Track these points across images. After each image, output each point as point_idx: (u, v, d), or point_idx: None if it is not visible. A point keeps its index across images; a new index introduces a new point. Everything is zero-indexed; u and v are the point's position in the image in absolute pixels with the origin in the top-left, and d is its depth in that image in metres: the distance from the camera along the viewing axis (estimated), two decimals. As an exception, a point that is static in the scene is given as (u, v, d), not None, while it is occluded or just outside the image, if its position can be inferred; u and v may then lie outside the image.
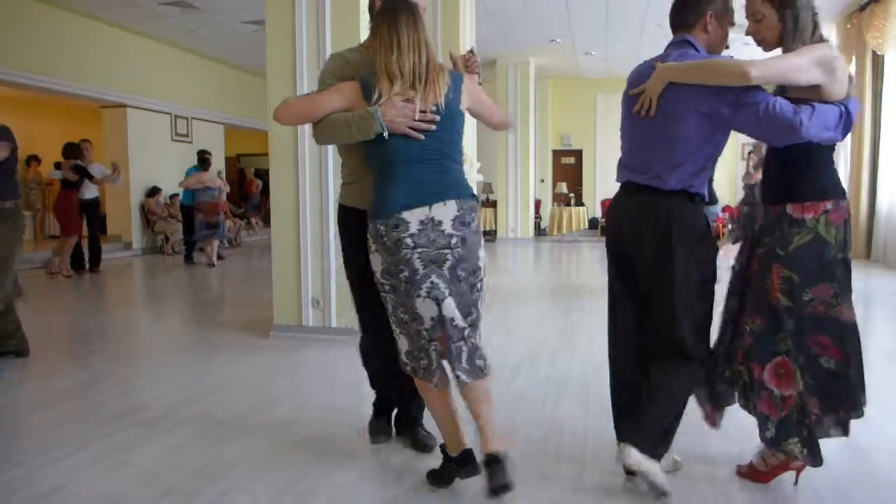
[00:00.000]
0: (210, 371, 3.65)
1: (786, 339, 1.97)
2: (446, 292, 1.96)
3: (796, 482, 2.13)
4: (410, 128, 1.95)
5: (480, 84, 2.24)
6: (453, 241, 1.96)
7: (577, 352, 3.98)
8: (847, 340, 1.98)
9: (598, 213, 13.97)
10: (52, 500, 2.11)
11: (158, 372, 3.74)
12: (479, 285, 2.06)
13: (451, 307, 1.95)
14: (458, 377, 1.98)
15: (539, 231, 14.02)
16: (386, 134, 1.94)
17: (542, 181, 14.73)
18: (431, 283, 1.94)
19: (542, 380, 3.40)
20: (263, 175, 13.67)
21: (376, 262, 2.02)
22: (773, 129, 1.89)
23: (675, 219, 2.00)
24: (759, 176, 7.39)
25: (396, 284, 1.98)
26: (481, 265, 2.05)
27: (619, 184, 2.24)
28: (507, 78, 12.36)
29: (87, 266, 8.02)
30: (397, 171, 1.98)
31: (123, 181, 9.52)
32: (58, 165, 8.12)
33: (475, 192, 2.14)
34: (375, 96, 1.96)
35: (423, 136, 1.96)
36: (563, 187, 13.92)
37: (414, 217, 1.93)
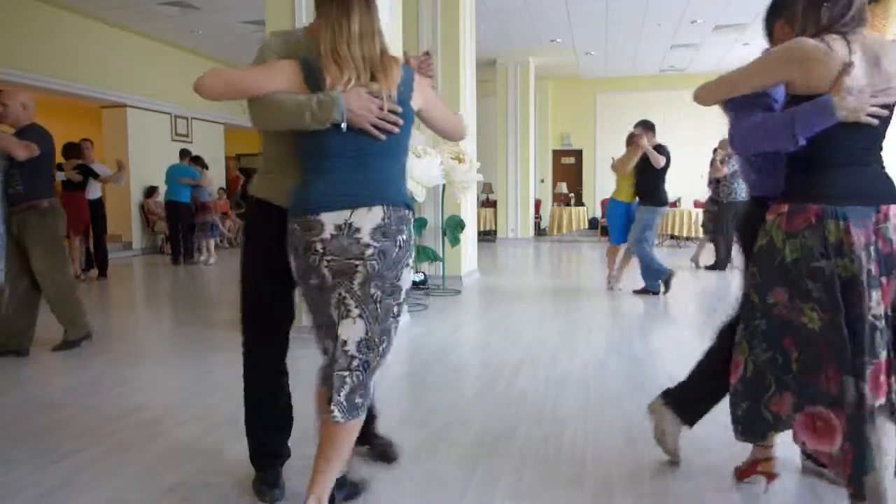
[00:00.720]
0: (210, 371, 3.65)
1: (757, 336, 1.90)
2: (354, 311, 1.74)
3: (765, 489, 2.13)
4: (373, 125, 1.75)
5: (434, 89, 2.11)
6: (368, 251, 1.72)
7: (577, 352, 3.98)
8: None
9: (598, 213, 13.97)
10: (53, 500, 2.11)
11: (158, 372, 3.75)
12: (395, 310, 1.80)
13: (348, 328, 1.74)
14: (330, 410, 1.75)
15: (539, 231, 14.02)
16: (344, 126, 1.72)
17: (542, 181, 14.73)
18: (339, 295, 1.75)
19: (542, 380, 3.41)
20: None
21: (293, 263, 1.83)
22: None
23: None
24: (726, 170, 7.59)
25: (307, 291, 1.84)
26: (402, 286, 1.80)
27: None
28: (507, 78, 12.36)
29: (96, 270, 7.91)
30: (328, 165, 1.77)
31: (125, 180, 9.55)
32: (59, 167, 8.09)
33: (411, 198, 2.00)
34: (326, 82, 1.73)
35: (384, 137, 1.77)
36: (563, 187, 13.93)
37: (331, 220, 1.71)
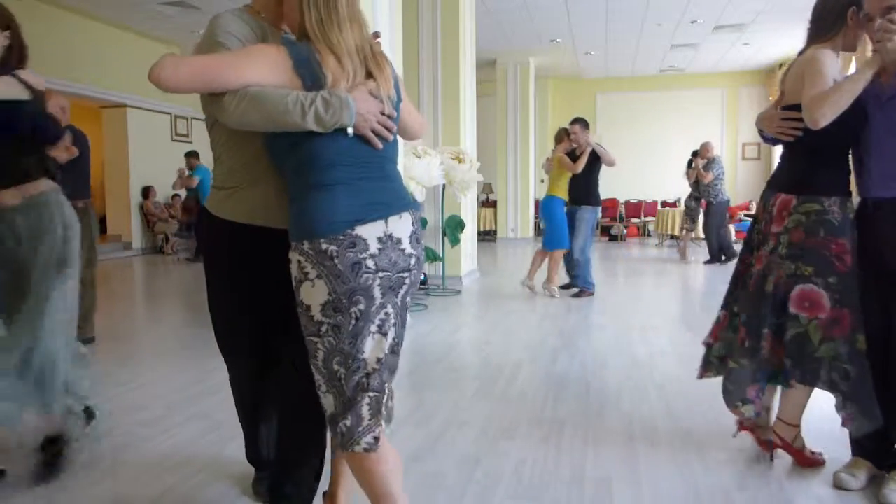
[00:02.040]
0: (210, 371, 3.65)
1: None
2: (393, 323, 1.59)
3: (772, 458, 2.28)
4: (373, 131, 1.55)
5: None
6: (412, 261, 1.60)
7: (577, 352, 3.98)
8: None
9: (598, 213, 13.96)
10: (53, 500, 2.11)
11: (158, 372, 3.75)
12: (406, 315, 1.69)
13: (379, 343, 1.56)
14: (366, 445, 1.54)
15: (539, 231, 14.02)
16: (351, 131, 1.51)
17: (543, 181, 14.73)
18: (385, 314, 1.56)
19: (542, 380, 3.41)
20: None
21: (316, 295, 1.50)
22: None
23: None
24: (710, 175, 8.50)
25: (343, 323, 1.51)
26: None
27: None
28: (507, 78, 12.36)
29: None
30: (338, 176, 1.51)
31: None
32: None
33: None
34: (328, 78, 1.49)
35: (381, 145, 1.58)
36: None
37: (371, 234, 1.51)
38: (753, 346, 2.16)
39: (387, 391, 1.59)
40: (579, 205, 6.10)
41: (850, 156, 2.17)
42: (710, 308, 5.62)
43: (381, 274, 1.52)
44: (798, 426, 2.27)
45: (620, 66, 13.13)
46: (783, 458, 2.32)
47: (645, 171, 14.03)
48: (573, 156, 6.06)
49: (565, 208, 6.10)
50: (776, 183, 2.25)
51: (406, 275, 1.59)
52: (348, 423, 1.53)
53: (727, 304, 2.39)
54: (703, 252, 9.51)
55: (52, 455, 2.26)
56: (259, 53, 1.51)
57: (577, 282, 6.20)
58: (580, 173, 5.98)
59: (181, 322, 5.42)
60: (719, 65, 12.77)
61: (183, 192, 10.23)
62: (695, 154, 9.10)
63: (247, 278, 1.75)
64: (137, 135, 10.51)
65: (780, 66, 12.46)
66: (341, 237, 1.49)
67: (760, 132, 2.35)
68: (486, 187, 13.43)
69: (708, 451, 2.42)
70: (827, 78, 1.98)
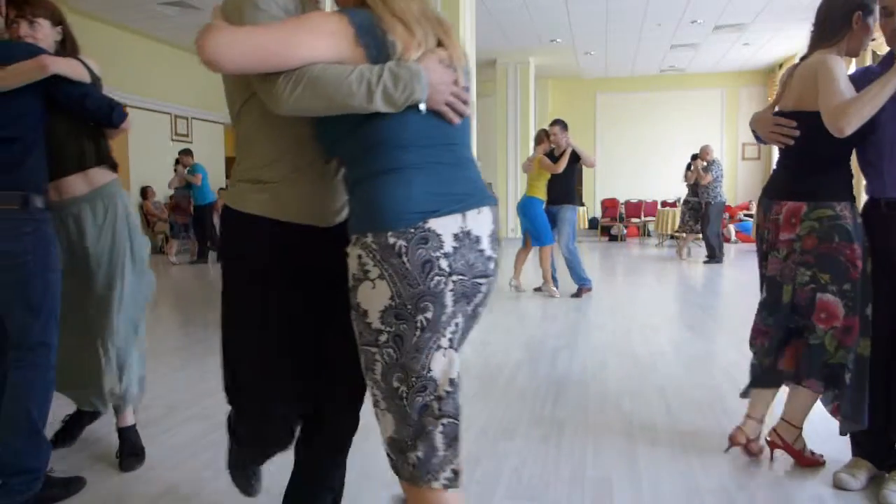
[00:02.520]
0: (210, 371, 3.65)
1: None
2: (460, 340, 1.35)
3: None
4: (447, 104, 1.33)
5: None
6: (491, 266, 1.34)
7: (577, 352, 3.98)
8: None
9: (598, 213, 13.98)
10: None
11: (159, 372, 3.74)
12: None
13: (445, 362, 1.30)
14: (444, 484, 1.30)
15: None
16: (423, 106, 1.29)
17: (542, 181, 14.74)
18: (456, 325, 1.30)
19: (542, 380, 3.41)
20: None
21: (376, 298, 1.26)
22: None
23: None
24: (709, 177, 8.78)
25: (406, 332, 1.25)
26: None
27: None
28: (507, 78, 12.37)
29: None
30: (409, 159, 1.28)
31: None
32: None
33: None
34: (397, 48, 1.26)
35: (457, 120, 1.36)
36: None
37: (446, 229, 1.26)
38: (772, 353, 2.22)
39: (461, 418, 1.33)
40: (560, 204, 6.20)
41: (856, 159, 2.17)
42: (710, 308, 5.62)
43: (454, 278, 1.27)
44: (800, 428, 2.28)
45: (620, 66, 13.14)
46: (783, 459, 2.32)
47: (645, 171, 14.04)
48: (552, 156, 6.15)
49: (545, 207, 6.23)
50: (776, 191, 2.25)
51: (483, 282, 1.33)
52: (420, 454, 1.28)
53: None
54: (702, 251, 9.53)
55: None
56: (318, 23, 1.26)
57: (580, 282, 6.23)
58: (559, 174, 6.09)
59: (180, 322, 5.42)
60: (719, 65, 12.77)
61: (170, 190, 10.19)
62: (694, 157, 9.39)
63: (296, 292, 1.45)
64: (137, 135, 10.50)
65: (780, 66, 12.47)
66: (412, 231, 1.24)
67: (754, 132, 2.36)
68: (487, 187, 13.43)
69: (708, 451, 2.42)
70: (844, 85, 1.97)
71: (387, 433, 1.33)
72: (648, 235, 13.66)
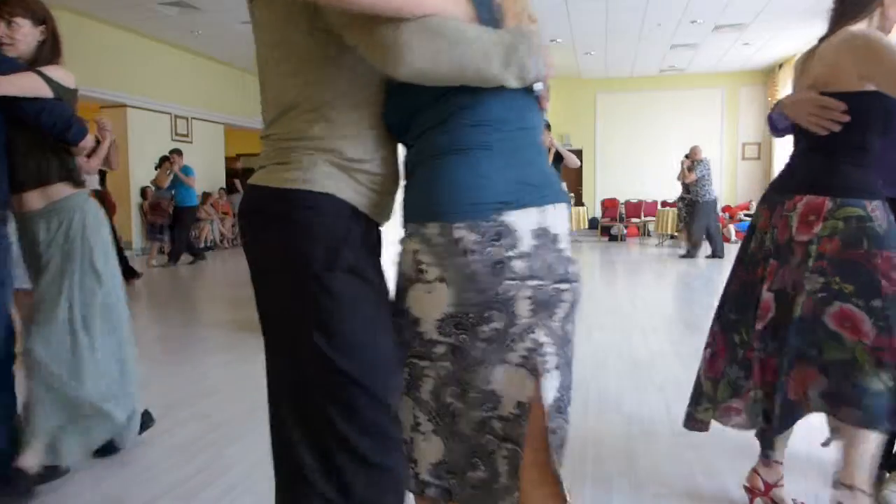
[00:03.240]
0: (210, 371, 3.65)
1: None
2: (551, 361, 1.11)
3: None
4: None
5: None
6: (572, 270, 1.12)
7: (577, 352, 3.95)
8: None
9: (599, 213, 13.98)
10: (53, 500, 2.11)
11: (158, 372, 3.74)
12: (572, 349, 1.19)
13: (554, 387, 1.12)
14: None
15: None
16: (540, 87, 1.12)
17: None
18: (534, 342, 1.08)
19: (542, 380, 3.40)
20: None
21: (432, 304, 1.07)
22: None
23: None
24: (694, 176, 9.02)
25: (467, 344, 1.07)
26: None
27: None
28: (507, 78, 12.37)
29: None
30: (488, 140, 1.07)
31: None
32: None
33: None
34: (505, 15, 1.07)
35: (548, 106, 1.21)
36: (564, 187, 13.93)
37: (524, 224, 1.05)
38: (775, 384, 1.77)
39: (558, 454, 1.13)
40: None
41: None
42: (710, 307, 5.60)
43: (531, 283, 1.05)
44: (867, 492, 1.76)
45: (620, 66, 13.14)
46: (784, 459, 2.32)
47: (645, 171, 14.04)
48: None
49: None
50: (793, 183, 1.85)
51: (566, 288, 1.10)
52: (482, 474, 1.12)
53: (728, 330, 1.95)
54: (702, 250, 9.56)
55: None
56: None
57: None
58: None
59: (180, 322, 5.42)
60: (719, 65, 12.77)
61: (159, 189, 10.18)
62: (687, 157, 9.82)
63: (381, 285, 1.16)
64: (137, 135, 10.51)
65: (780, 66, 12.47)
66: (485, 224, 1.03)
67: (771, 120, 2.01)
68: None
69: (708, 451, 2.42)
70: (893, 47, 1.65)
71: (432, 458, 1.16)
72: (648, 235, 13.66)
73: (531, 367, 1.09)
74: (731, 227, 12.05)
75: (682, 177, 9.62)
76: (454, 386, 1.11)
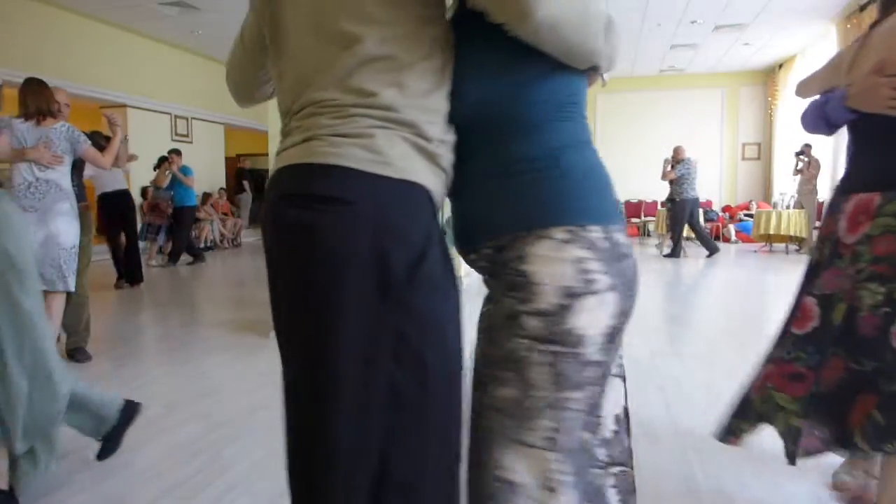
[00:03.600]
0: (210, 371, 3.65)
1: None
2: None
3: None
4: None
5: None
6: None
7: (577, 352, 3.96)
8: None
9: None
10: (52, 500, 2.11)
11: (158, 372, 3.75)
12: None
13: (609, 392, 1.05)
14: None
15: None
16: (607, 77, 1.16)
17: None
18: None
19: (542, 380, 3.39)
20: (264, 175, 13.69)
21: (602, 316, 0.95)
22: None
23: None
24: (673, 174, 9.14)
25: (611, 359, 1.01)
26: None
27: None
28: (507, 78, 12.36)
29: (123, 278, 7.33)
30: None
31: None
32: None
33: None
34: None
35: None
36: None
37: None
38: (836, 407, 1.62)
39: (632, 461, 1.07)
40: None
41: None
42: (710, 307, 5.62)
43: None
44: None
45: (620, 66, 13.12)
46: (782, 459, 2.32)
47: (645, 171, 14.02)
48: None
49: None
50: (849, 184, 1.68)
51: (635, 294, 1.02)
52: None
53: (794, 347, 1.72)
54: (701, 250, 9.56)
55: None
56: None
57: None
58: None
59: (179, 322, 5.42)
60: (719, 65, 12.76)
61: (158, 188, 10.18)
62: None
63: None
64: (137, 135, 10.51)
65: (780, 66, 12.46)
66: (622, 225, 0.98)
67: (821, 117, 1.74)
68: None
69: (708, 451, 2.42)
70: None
71: None
72: (648, 235, 13.66)
73: (622, 375, 1.09)
74: (731, 227, 12.05)
75: (663, 175, 9.78)
76: (588, 416, 0.99)
